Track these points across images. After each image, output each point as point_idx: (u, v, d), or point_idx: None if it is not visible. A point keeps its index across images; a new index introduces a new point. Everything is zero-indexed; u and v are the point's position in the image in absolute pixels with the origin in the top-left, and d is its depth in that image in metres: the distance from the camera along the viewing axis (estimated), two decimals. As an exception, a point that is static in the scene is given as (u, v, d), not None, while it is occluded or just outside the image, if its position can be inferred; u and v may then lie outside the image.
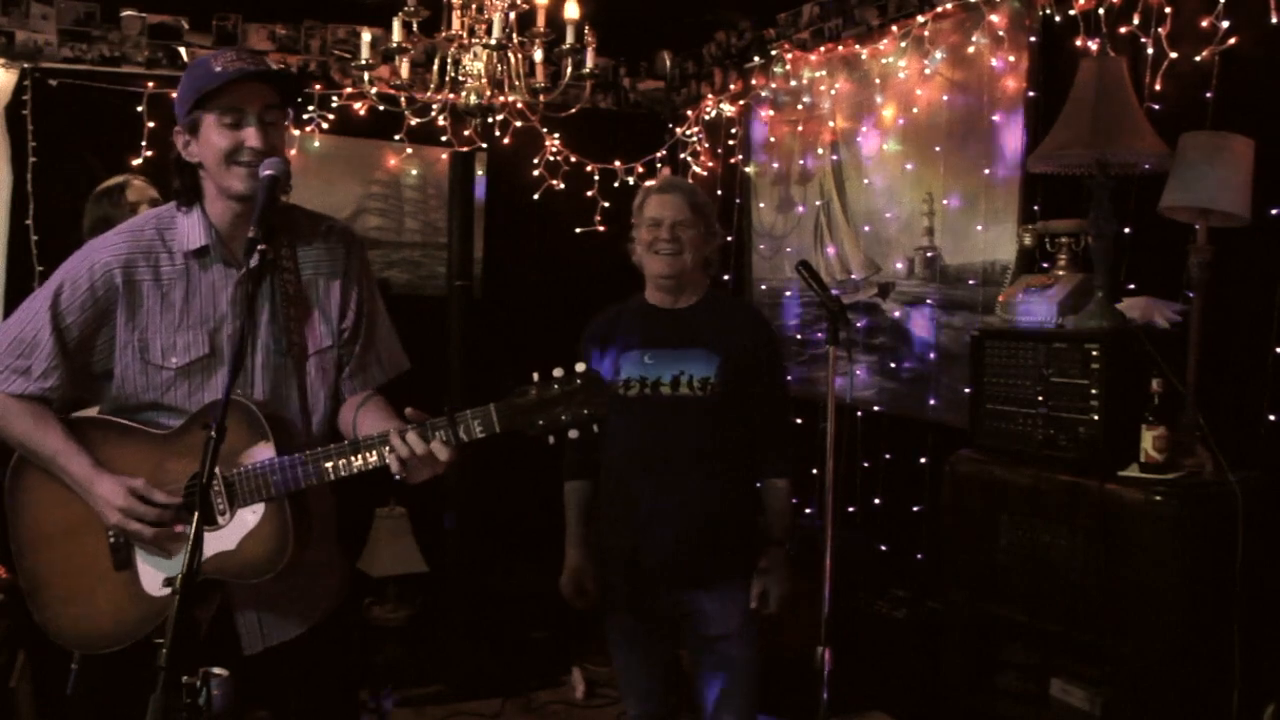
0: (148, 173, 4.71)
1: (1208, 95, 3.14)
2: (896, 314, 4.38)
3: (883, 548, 4.38)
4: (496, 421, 1.99)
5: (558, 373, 1.98)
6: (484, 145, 5.17)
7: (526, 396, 1.98)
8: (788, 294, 5.07)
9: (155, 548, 2.13)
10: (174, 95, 2.17)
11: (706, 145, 5.53)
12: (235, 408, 2.06)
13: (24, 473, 2.22)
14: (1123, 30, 3.36)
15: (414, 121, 4.84)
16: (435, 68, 4.16)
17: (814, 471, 4.36)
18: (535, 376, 1.99)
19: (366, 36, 4.12)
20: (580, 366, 1.98)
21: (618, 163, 5.47)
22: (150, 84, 4.78)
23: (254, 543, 2.09)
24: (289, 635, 2.26)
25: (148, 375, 2.17)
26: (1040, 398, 3.10)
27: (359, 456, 2.05)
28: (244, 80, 2.07)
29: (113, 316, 2.16)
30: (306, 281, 2.24)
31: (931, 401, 4.18)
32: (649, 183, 3.19)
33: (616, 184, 5.43)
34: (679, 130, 5.57)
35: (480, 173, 5.29)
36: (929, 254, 4.22)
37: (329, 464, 2.06)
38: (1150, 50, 3.27)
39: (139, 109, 4.74)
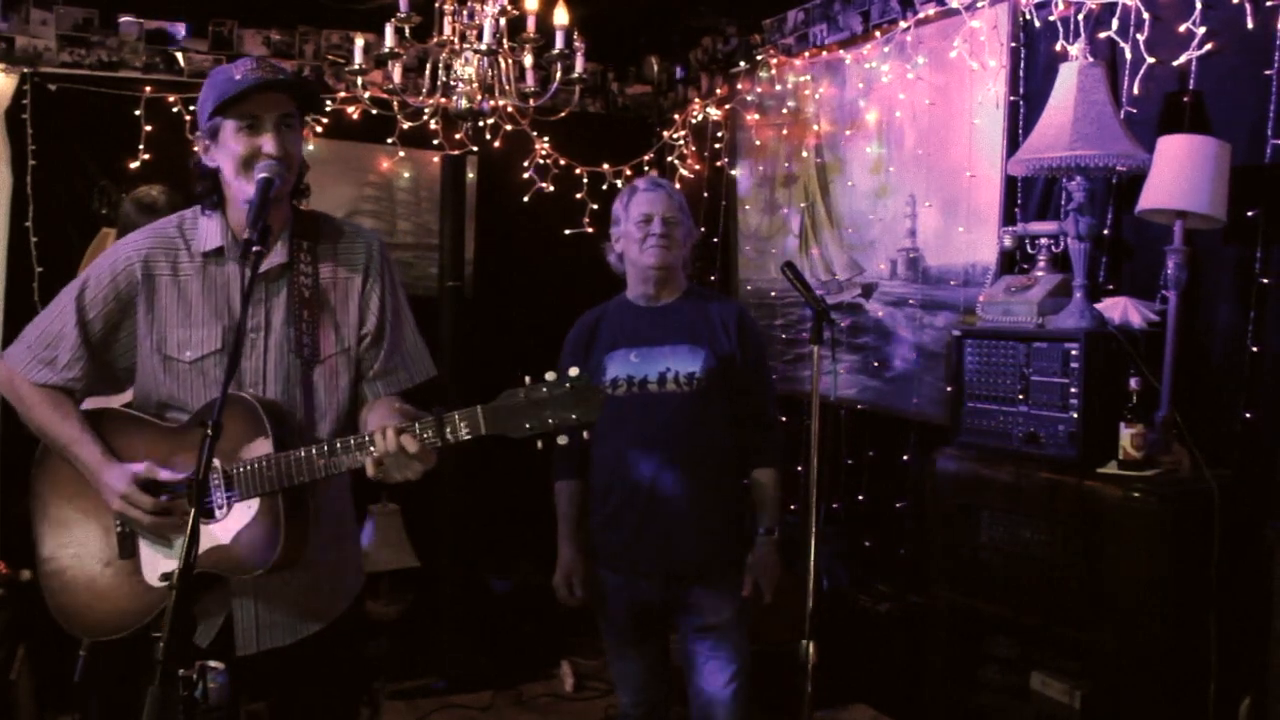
0: (146, 175, 4.75)
1: (1185, 99, 3.18)
2: (879, 314, 4.43)
3: (866, 543, 4.42)
4: (483, 424, 1.96)
5: (550, 376, 1.93)
6: (475, 148, 5.22)
7: (515, 399, 1.94)
8: (773, 294, 5.12)
9: (157, 537, 2.17)
10: (170, 99, 2.21)
11: (693, 149, 5.56)
12: (239, 403, 2.09)
13: (46, 461, 2.29)
14: (1101, 35, 3.39)
15: (406, 125, 4.88)
16: (427, 72, 4.21)
17: (798, 469, 4.42)
18: (526, 380, 1.94)
19: (360, 42, 4.15)
20: (573, 371, 1.93)
21: (606, 166, 5.51)
22: (148, 88, 4.78)
23: (247, 538, 2.09)
24: (289, 639, 2.24)
25: (165, 369, 2.21)
26: (1020, 396, 3.14)
27: (349, 455, 2.03)
28: (262, 89, 2.11)
29: (134, 310, 2.21)
30: (325, 285, 2.25)
31: (914, 400, 4.22)
32: (631, 184, 3.23)
33: (605, 186, 5.46)
34: (666, 134, 5.61)
35: (471, 175, 5.33)
36: (911, 255, 4.27)
37: (321, 461, 2.04)
38: (1128, 55, 3.31)
39: (136, 113, 4.74)
